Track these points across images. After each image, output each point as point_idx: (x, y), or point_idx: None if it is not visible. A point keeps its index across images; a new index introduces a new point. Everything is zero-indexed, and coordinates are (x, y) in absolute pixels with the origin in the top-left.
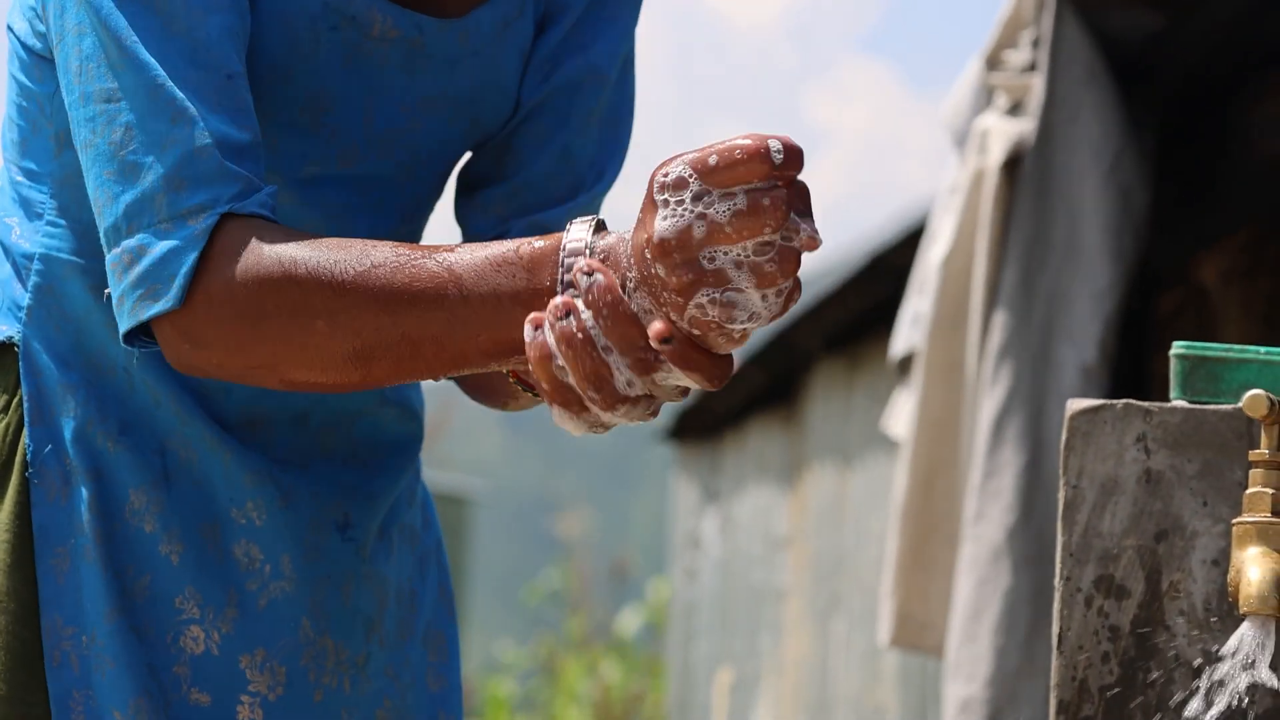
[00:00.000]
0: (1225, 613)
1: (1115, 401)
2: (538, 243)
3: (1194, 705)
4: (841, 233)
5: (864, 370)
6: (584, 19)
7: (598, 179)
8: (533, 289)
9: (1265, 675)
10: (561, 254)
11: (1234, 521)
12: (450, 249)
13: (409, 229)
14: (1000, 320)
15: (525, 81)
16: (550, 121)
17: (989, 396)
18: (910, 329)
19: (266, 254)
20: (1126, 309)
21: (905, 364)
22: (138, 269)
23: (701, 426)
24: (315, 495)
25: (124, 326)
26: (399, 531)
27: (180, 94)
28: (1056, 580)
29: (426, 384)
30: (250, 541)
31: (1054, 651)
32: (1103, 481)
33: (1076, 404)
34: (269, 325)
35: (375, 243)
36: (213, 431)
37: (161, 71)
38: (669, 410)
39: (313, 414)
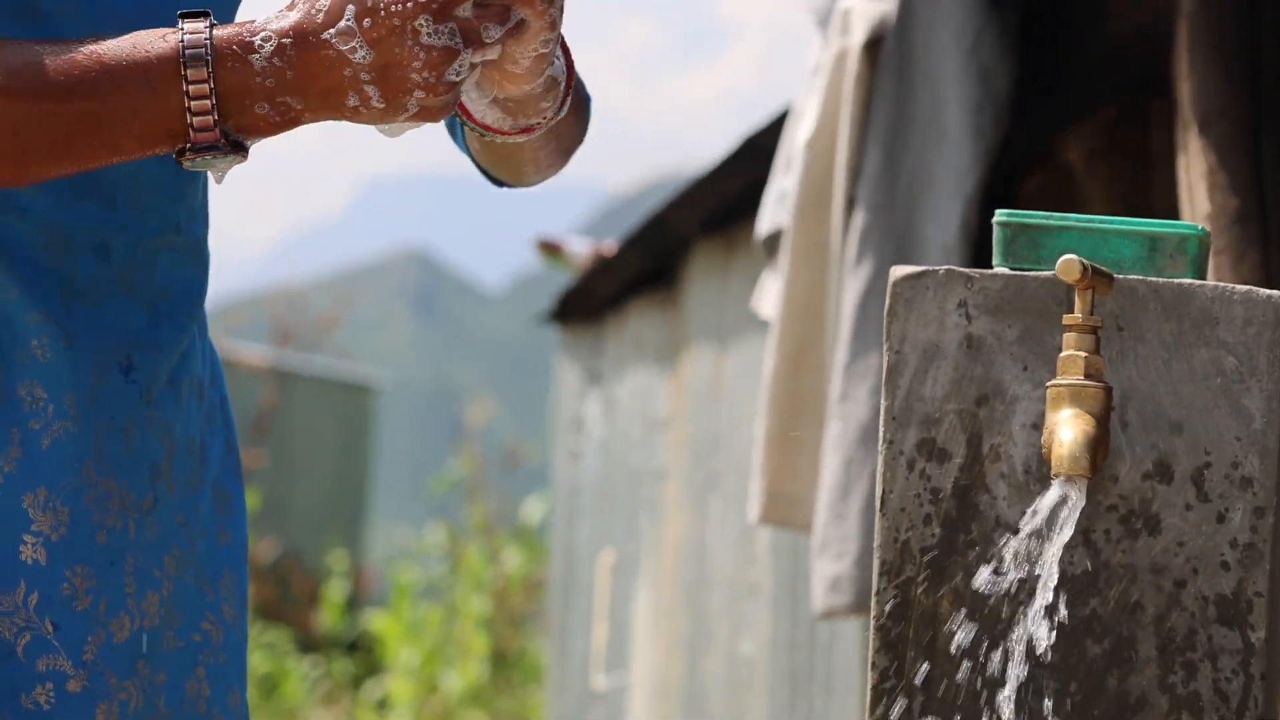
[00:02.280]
0: (1045, 475)
1: (938, 268)
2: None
3: (1006, 563)
4: (747, 123)
5: (741, 253)
6: None
7: None
8: (169, 47)
9: (1071, 533)
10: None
11: (1048, 385)
12: (98, 37)
13: None
14: (864, 201)
15: None
16: None
17: (854, 277)
18: (775, 207)
19: None
20: (989, 189)
21: (771, 242)
22: None
23: (584, 310)
24: (97, 336)
25: None
26: (189, 384)
27: None
28: (880, 444)
29: (323, 274)
30: (34, 381)
31: (877, 514)
32: (924, 347)
33: (899, 270)
34: None
35: (28, 42)
36: None
37: None
38: (553, 293)
39: (114, 245)
